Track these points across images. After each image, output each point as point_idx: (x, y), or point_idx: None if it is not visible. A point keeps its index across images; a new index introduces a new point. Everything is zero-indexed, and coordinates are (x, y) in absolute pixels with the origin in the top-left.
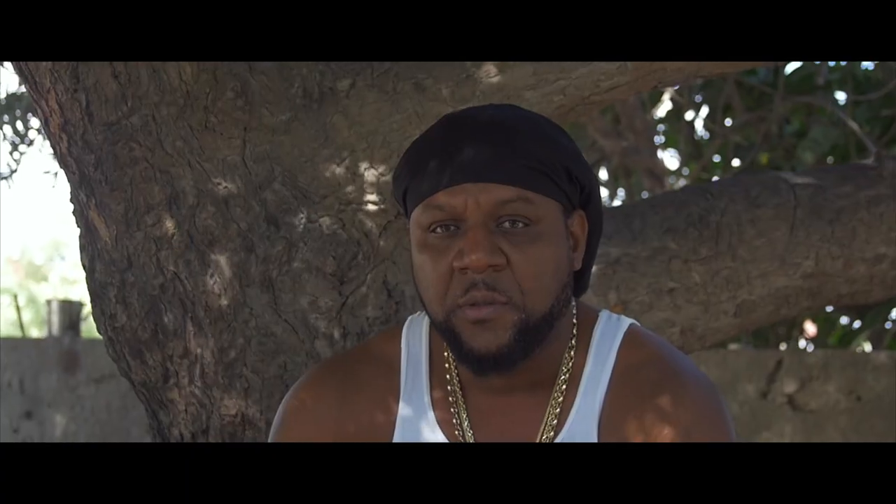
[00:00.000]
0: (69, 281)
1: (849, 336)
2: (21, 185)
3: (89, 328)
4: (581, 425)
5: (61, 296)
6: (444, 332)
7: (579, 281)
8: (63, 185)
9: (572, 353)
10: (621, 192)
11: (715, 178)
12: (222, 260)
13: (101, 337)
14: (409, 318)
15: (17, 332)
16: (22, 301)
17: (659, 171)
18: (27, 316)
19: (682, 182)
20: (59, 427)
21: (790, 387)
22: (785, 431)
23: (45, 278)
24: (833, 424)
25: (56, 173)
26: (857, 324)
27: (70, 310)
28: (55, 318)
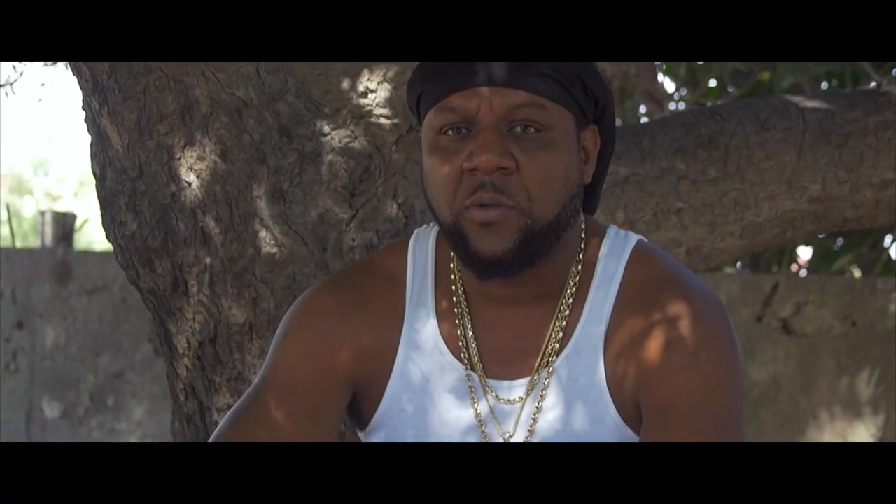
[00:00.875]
0: (53, 196)
1: (831, 256)
2: (8, 101)
3: (82, 240)
4: (586, 341)
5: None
6: (451, 236)
7: (590, 198)
8: (52, 100)
9: (579, 267)
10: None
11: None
12: (234, 170)
13: (94, 249)
14: (416, 231)
15: (6, 244)
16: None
17: (659, 95)
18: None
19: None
20: (50, 338)
21: (785, 311)
22: (778, 356)
23: (29, 192)
24: (827, 349)
25: (48, 84)
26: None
27: (63, 221)
28: (48, 230)
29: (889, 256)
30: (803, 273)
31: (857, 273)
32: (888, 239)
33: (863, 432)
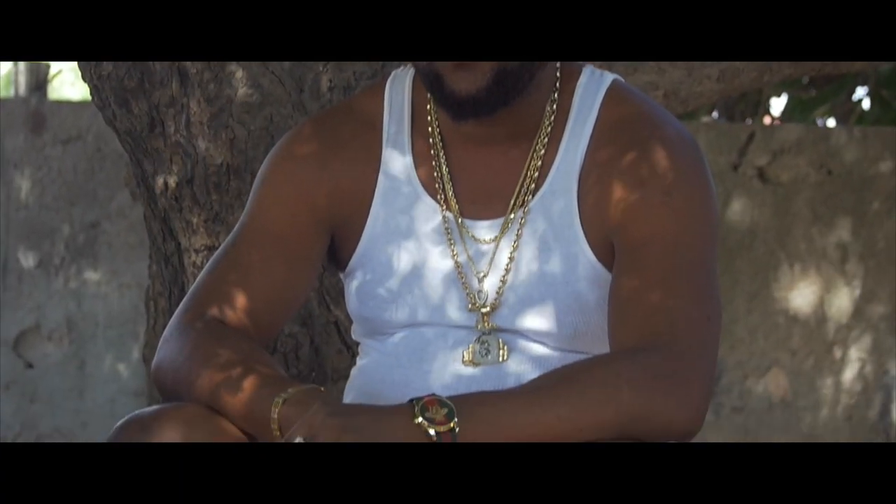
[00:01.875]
0: None
1: (807, 105)
2: None
3: (55, 90)
4: (562, 180)
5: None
6: (425, 77)
7: None
8: None
9: (554, 106)
10: None
11: None
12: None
13: (68, 99)
14: (393, 72)
15: None
16: None
17: None
18: None
19: None
20: (24, 188)
21: (761, 160)
22: (754, 204)
23: None
24: (803, 197)
25: None
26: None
27: (37, 71)
28: (21, 79)
29: (863, 108)
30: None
31: (830, 122)
32: (860, 90)
33: (838, 281)
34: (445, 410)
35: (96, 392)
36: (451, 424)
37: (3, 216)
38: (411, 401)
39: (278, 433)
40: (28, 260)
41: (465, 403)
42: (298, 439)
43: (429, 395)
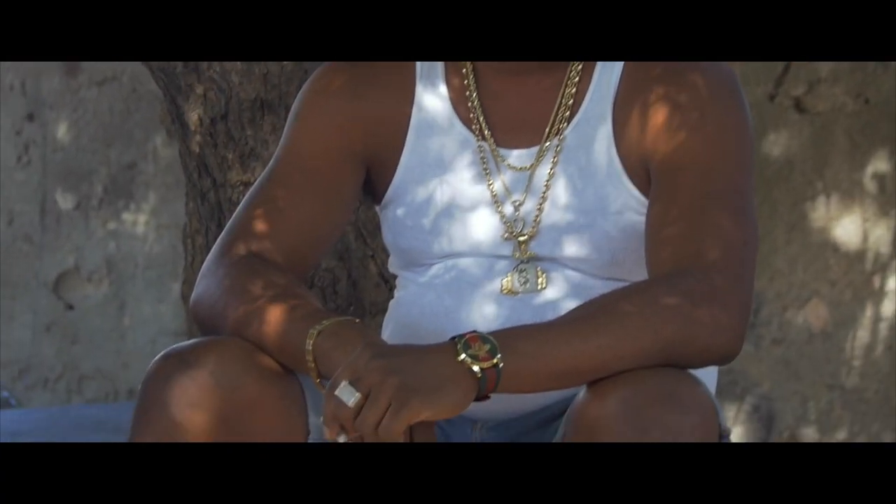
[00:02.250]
0: None
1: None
2: None
3: None
4: (597, 107)
5: None
6: None
7: None
8: None
9: None
10: None
11: None
12: None
13: None
14: None
15: None
16: None
17: None
18: None
19: None
20: (61, 130)
21: (798, 89)
22: (792, 134)
23: None
24: (840, 127)
25: None
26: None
27: None
28: None
29: None
30: None
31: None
32: None
33: (877, 210)
34: (488, 346)
35: (137, 333)
36: (495, 360)
37: (40, 159)
38: (453, 338)
39: (313, 364)
40: (66, 202)
41: (506, 338)
42: (343, 382)
43: (470, 332)
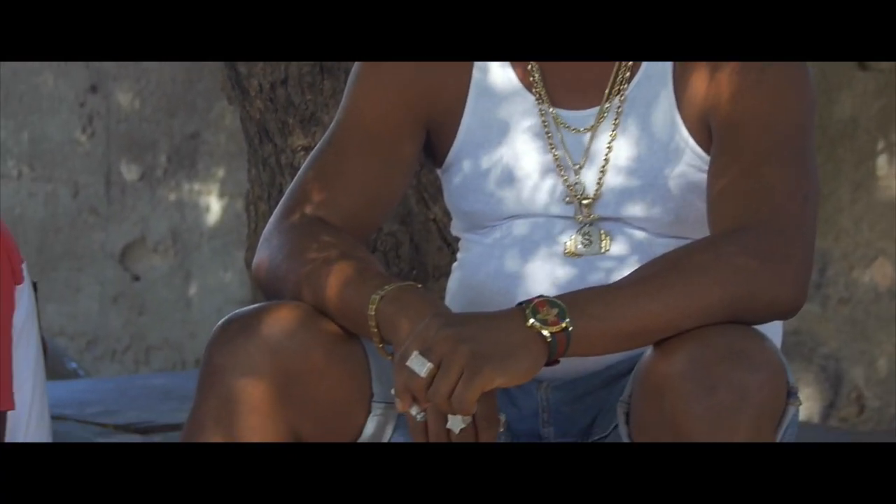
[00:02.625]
0: None
1: None
2: None
3: None
4: (656, 66)
5: None
6: None
7: None
8: None
9: None
10: None
11: None
12: None
13: None
14: None
15: None
16: None
17: None
18: None
19: None
20: (124, 101)
21: None
22: (856, 92)
23: None
24: None
25: None
26: None
27: None
28: None
29: None
30: None
31: None
32: None
33: None
34: (556, 311)
35: (203, 302)
36: (564, 324)
37: (104, 130)
38: (520, 304)
39: (375, 330)
40: (131, 173)
41: (574, 301)
42: (414, 353)
43: (537, 298)
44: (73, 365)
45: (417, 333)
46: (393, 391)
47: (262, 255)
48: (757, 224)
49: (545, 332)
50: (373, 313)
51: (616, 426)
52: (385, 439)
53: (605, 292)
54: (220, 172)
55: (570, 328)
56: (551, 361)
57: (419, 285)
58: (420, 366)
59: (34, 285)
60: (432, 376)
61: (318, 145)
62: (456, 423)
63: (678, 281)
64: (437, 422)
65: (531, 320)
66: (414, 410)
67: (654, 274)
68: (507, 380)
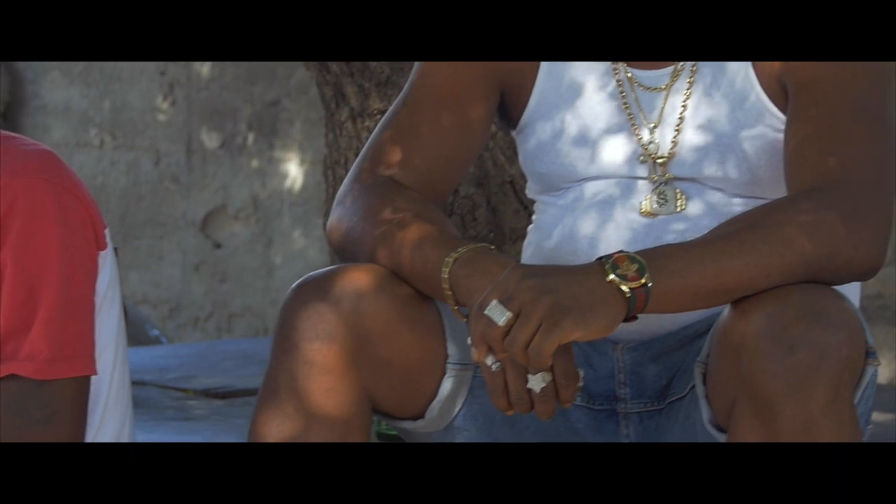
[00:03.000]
0: None
1: None
2: None
3: None
4: None
5: None
6: None
7: None
8: None
9: None
10: None
11: None
12: None
13: None
14: None
15: None
16: None
17: None
18: None
19: None
20: (204, 70)
21: None
22: None
23: None
24: None
25: None
26: None
27: None
28: None
29: None
30: None
31: None
32: None
33: None
34: (636, 266)
35: (284, 269)
36: (643, 280)
37: (185, 99)
38: (600, 259)
39: (450, 293)
40: (212, 141)
41: (654, 257)
42: (494, 301)
43: (617, 252)
44: (156, 332)
45: (498, 283)
46: (469, 340)
47: (336, 216)
48: (833, 183)
49: (624, 288)
50: (446, 276)
51: (693, 387)
52: (459, 401)
53: (684, 249)
54: (301, 139)
55: (650, 284)
56: (629, 317)
57: (493, 247)
58: (499, 315)
59: (115, 251)
60: (510, 326)
61: (392, 106)
62: (536, 382)
63: (758, 239)
64: (517, 380)
65: (611, 275)
66: (489, 360)
67: (733, 232)
68: (586, 334)
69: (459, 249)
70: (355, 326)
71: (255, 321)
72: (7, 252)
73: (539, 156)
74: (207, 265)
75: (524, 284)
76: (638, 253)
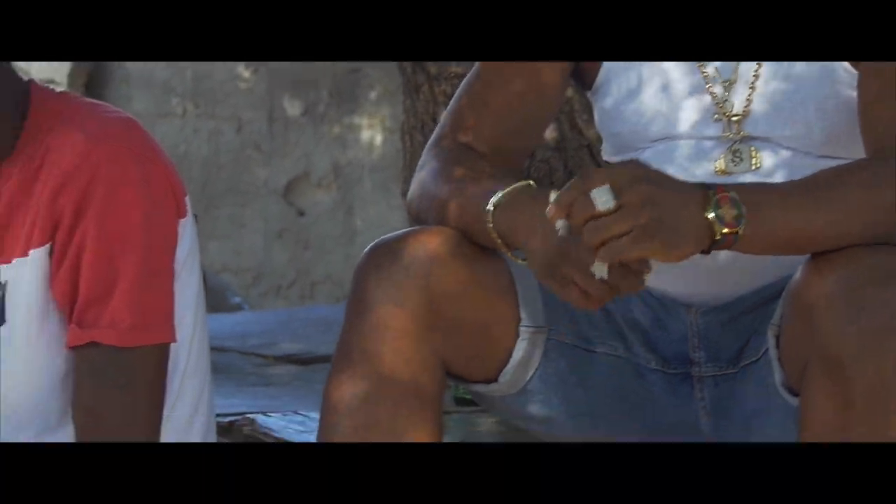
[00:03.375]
0: None
1: None
2: None
3: None
4: None
5: None
6: None
7: None
8: None
9: None
10: None
11: None
12: None
13: None
14: None
15: None
16: None
17: None
18: None
19: None
20: None
21: None
22: None
23: None
24: None
25: None
26: None
27: None
28: None
29: None
30: None
31: None
32: None
33: None
34: (735, 213)
35: (366, 236)
36: (738, 230)
37: (266, 67)
38: (707, 187)
39: (500, 241)
40: (293, 108)
41: (754, 205)
42: (606, 186)
43: (722, 189)
44: (237, 300)
45: (615, 169)
46: (553, 196)
47: (414, 184)
48: None
49: (717, 230)
50: (491, 225)
51: (766, 350)
52: (533, 364)
53: (781, 198)
54: (381, 107)
55: (739, 232)
56: (704, 251)
57: (531, 182)
58: (603, 201)
59: (195, 219)
60: (604, 215)
61: (469, 73)
62: (599, 269)
63: (840, 197)
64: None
65: (711, 213)
66: (560, 223)
67: (819, 186)
68: (664, 257)
69: (498, 195)
70: (427, 290)
71: (336, 288)
72: (90, 219)
73: (614, 116)
74: (290, 233)
75: (639, 188)
76: (740, 193)
